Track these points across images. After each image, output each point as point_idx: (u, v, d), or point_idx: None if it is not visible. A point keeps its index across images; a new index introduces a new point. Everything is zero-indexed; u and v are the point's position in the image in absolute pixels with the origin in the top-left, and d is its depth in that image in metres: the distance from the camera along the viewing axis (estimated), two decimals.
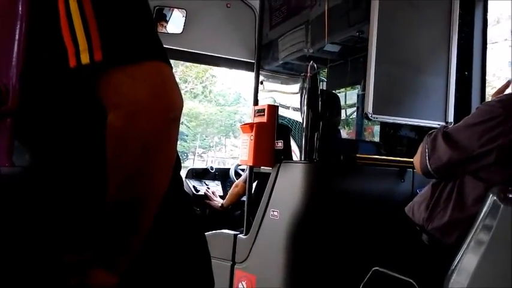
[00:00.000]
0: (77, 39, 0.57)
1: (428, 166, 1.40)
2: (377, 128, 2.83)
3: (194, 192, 2.87)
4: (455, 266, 1.14)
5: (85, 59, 0.57)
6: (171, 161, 0.64)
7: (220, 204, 2.75)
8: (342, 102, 2.84)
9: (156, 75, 0.59)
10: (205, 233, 2.31)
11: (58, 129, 0.66)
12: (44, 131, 0.66)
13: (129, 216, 0.62)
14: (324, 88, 2.61)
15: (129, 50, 0.59)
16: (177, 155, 0.80)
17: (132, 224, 0.63)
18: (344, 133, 3.15)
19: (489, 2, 2.27)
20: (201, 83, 15.94)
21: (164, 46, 0.63)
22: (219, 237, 2.21)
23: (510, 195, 1.09)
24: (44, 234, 0.64)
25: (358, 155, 2.03)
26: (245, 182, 2.37)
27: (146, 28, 0.62)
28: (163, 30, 2.72)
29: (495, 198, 1.10)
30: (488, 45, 2.30)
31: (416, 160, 1.50)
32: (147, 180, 0.61)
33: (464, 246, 1.14)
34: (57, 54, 0.58)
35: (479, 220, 1.12)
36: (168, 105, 0.59)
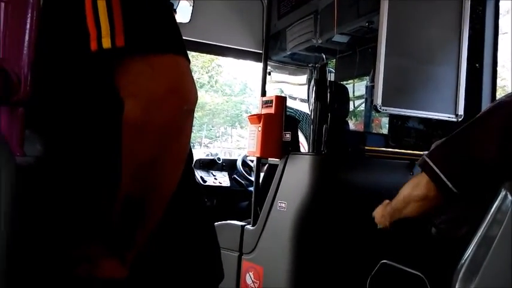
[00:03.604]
0: (100, 24, 0.57)
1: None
2: (385, 120, 2.81)
3: (202, 182, 2.88)
4: (465, 260, 1.13)
5: (107, 43, 0.57)
6: (184, 153, 0.64)
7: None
8: (350, 94, 2.82)
9: (174, 68, 0.60)
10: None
11: (72, 119, 0.66)
12: (57, 121, 0.66)
13: (140, 206, 0.62)
14: (333, 79, 2.59)
15: (151, 40, 0.59)
16: (190, 147, 0.80)
17: (144, 214, 0.63)
18: (352, 125, 3.14)
19: None
20: (207, 72, 15.92)
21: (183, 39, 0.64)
22: (226, 228, 2.22)
23: None
24: (55, 225, 0.64)
25: (366, 147, 2.02)
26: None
27: (168, 21, 0.63)
28: None
29: (506, 192, 1.08)
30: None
31: None
32: (160, 171, 0.61)
33: (474, 240, 1.13)
34: (78, 39, 0.58)
35: (489, 214, 1.11)
36: (183, 98, 0.60)
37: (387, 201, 1.51)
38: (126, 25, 0.57)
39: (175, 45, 0.61)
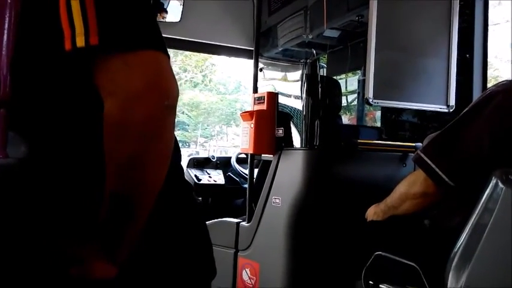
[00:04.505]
0: (74, 23, 0.57)
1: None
2: (379, 114, 2.81)
3: (196, 181, 2.87)
4: (458, 249, 1.14)
5: (80, 42, 0.57)
6: (168, 150, 0.63)
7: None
8: (343, 89, 2.83)
9: (152, 64, 0.59)
10: (209, 222, 2.30)
11: (55, 119, 0.66)
12: (40, 121, 0.66)
13: (127, 205, 0.62)
14: (324, 74, 2.59)
15: (126, 37, 0.59)
16: (177, 144, 0.80)
17: (131, 213, 0.63)
18: (346, 119, 3.14)
19: None
20: (200, 71, 15.88)
21: (162, 35, 0.63)
22: (222, 225, 2.22)
23: None
24: (43, 226, 0.63)
25: (359, 141, 2.02)
26: None
27: (145, 17, 0.62)
28: (161, 20, 2.70)
29: (497, 180, 1.09)
30: (490, 27, 2.27)
31: None
32: (145, 169, 0.61)
33: (466, 229, 1.13)
34: (54, 39, 0.58)
35: (481, 203, 1.12)
36: (163, 93, 0.59)
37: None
38: (100, 23, 0.57)
39: (152, 40, 0.61)
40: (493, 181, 1.10)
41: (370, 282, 1.44)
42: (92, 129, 0.63)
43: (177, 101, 0.62)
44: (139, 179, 0.61)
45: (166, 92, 0.60)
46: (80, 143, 0.66)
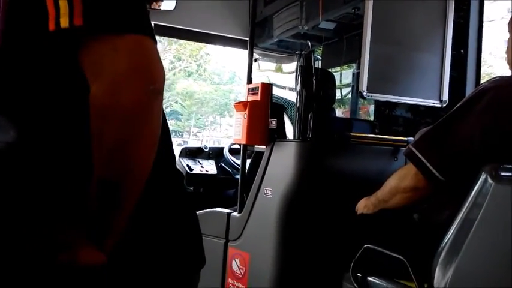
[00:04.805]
0: (59, 4, 0.56)
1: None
2: (373, 108, 2.82)
3: (188, 171, 2.87)
4: (445, 244, 1.15)
5: (64, 23, 0.56)
6: (155, 135, 0.63)
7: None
8: (338, 82, 2.83)
9: (138, 48, 0.59)
10: (200, 211, 2.29)
11: (43, 104, 0.65)
12: (29, 106, 0.65)
13: (114, 190, 0.61)
14: (319, 66, 2.58)
15: (112, 19, 0.58)
16: (168, 131, 0.80)
17: (119, 198, 0.62)
18: (339, 112, 3.15)
19: None
20: (195, 61, 15.80)
21: (156, 23, 0.63)
22: (213, 216, 2.22)
23: (501, 173, 1.09)
24: (30, 211, 0.63)
25: (351, 134, 2.03)
26: None
27: (132, 1, 0.61)
28: (156, 8, 2.67)
29: (486, 175, 1.10)
30: (485, 23, 2.28)
31: None
32: (131, 154, 0.61)
33: (455, 224, 1.14)
34: (40, 23, 0.57)
35: (469, 198, 1.13)
36: (149, 78, 0.59)
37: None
38: (86, 5, 0.57)
39: (139, 25, 0.60)
40: (483, 176, 1.11)
41: (359, 274, 1.45)
42: (80, 114, 0.62)
43: (163, 85, 0.61)
44: (126, 164, 0.61)
45: (152, 76, 0.59)
46: (68, 128, 0.65)
